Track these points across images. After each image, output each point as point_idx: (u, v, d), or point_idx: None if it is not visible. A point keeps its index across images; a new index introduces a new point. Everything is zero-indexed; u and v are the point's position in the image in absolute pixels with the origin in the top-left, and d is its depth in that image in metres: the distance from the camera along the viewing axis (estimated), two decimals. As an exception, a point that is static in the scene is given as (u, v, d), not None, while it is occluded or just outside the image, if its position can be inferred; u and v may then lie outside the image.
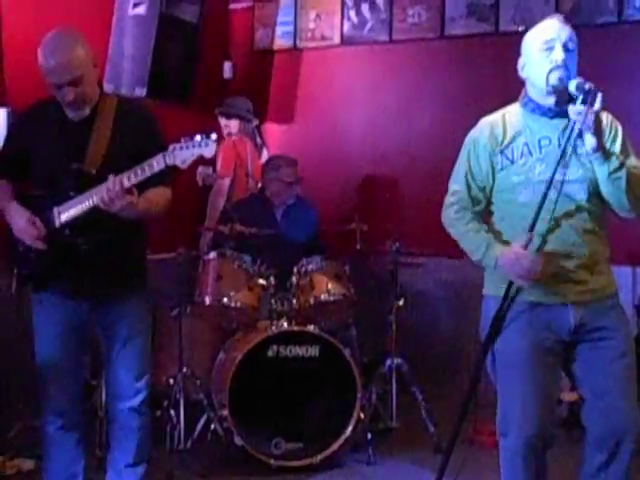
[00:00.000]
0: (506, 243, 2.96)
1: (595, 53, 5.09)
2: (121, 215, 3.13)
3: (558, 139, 2.93)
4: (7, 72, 4.86)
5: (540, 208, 2.84)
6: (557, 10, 5.22)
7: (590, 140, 2.81)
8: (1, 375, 4.09)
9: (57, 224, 3.19)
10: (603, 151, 2.83)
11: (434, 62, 5.77)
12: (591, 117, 2.77)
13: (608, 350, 2.93)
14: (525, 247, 2.84)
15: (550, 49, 2.91)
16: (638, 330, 4.66)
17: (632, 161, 2.91)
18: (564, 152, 2.85)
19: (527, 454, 2.95)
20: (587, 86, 2.80)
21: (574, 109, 2.81)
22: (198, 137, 3.09)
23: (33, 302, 3.37)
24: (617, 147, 2.91)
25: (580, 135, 2.83)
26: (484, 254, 2.96)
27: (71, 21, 5.05)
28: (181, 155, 3.07)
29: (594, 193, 2.94)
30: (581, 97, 2.80)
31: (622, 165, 2.84)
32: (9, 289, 3.35)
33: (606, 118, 2.94)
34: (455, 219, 3.06)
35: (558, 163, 2.85)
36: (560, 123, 2.95)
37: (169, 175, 3.24)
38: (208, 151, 3.10)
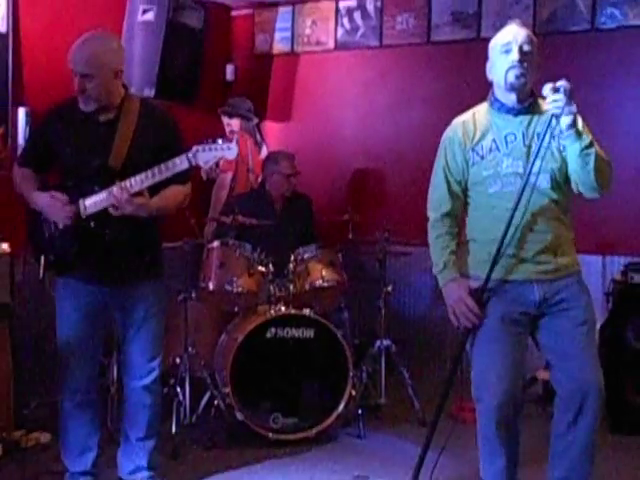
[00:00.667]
0: (482, 232, 3.06)
1: (569, 58, 5.10)
2: (136, 215, 3.15)
3: (522, 134, 3.03)
4: (25, 75, 4.83)
5: (519, 200, 2.91)
6: (534, 18, 5.24)
7: (565, 119, 2.86)
8: (22, 355, 4.08)
9: (83, 215, 3.19)
10: (576, 129, 2.89)
11: (421, 66, 5.77)
12: (566, 101, 2.83)
13: (569, 319, 3.02)
14: (471, 292, 2.99)
15: (508, 51, 3.01)
16: (609, 315, 4.67)
17: (597, 146, 2.97)
18: (539, 145, 2.91)
19: (500, 418, 3.01)
20: (559, 84, 2.86)
21: (551, 97, 2.86)
22: (220, 141, 3.13)
23: (57, 286, 3.36)
24: (585, 130, 2.98)
25: (557, 118, 2.87)
26: (438, 272, 3.11)
27: (85, 27, 5.02)
28: (204, 156, 3.10)
29: (557, 182, 3.03)
30: (553, 93, 2.86)
31: (592, 143, 2.91)
32: (36, 274, 3.34)
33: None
34: (431, 225, 3.17)
35: (536, 156, 2.92)
36: (524, 120, 3.05)
37: (187, 174, 3.26)
38: (230, 154, 3.15)
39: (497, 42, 3.08)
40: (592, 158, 2.90)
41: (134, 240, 3.28)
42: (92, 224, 3.18)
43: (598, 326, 4.72)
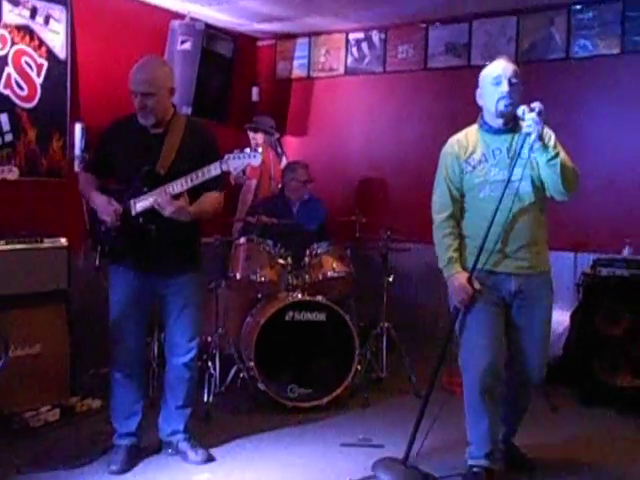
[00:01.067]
0: (473, 230, 3.15)
1: (547, 83, 5.07)
2: (176, 218, 3.15)
3: (507, 149, 3.12)
4: (81, 95, 4.86)
5: (499, 203, 3.02)
6: (517, 48, 5.22)
7: (535, 133, 2.96)
8: (77, 333, 4.10)
9: (133, 212, 3.21)
10: (542, 142, 3.00)
11: (418, 89, 5.75)
12: (537, 120, 2.95)
13: (533, 315, 3.15)
14: (467, 279, 3.06)
15: (498, 83, 3.08)
16: (578, 303, 4.65)
17: (564, 155, 3.07)
18: (517, 157, 3.03)
19: (484, 385, 3.08)
20: (533, 105, 2.97)
21: (528, 116, 2.96)
22: (247, 150, 3.14)
23: (110, 272, 3.37)
24: (552, 144, 3.05)
25: (529, 134, 2.98)
26: (444, 266, 3.17)
27: (132, 54, 5.04)
28: (234, 163, 3.11)
29: (536, 187, 3.11)
30: (529, 112, 2.96)
31: (557, 155, 3.01)
32: (90, 264, 3.36)
33: (544, 128, 3.06)
34: (437, 227, 3.23)
35: (514, 166, 3.03)
36: (507, 137, 3.14)
37: (222, 181, 3.29)
38: (255, 161, 3.16)
39: (488, 74, 3.14)
40: (558, 167, 3.01)
41: (177, 236, 3.28)
42: (141, 220, 3.20)
43: (569, 313, 4.74)
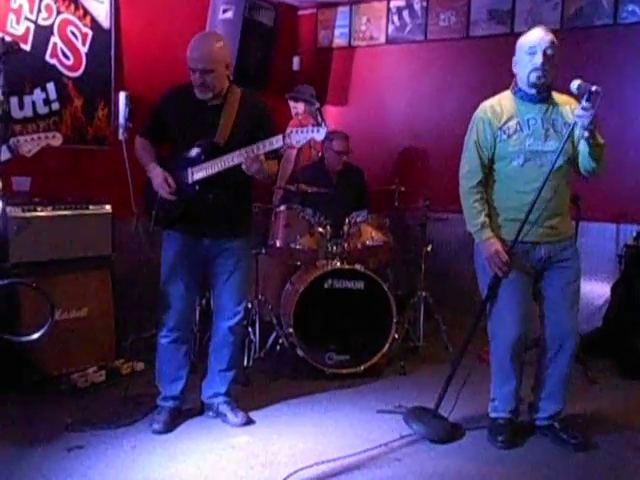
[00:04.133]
0: (503, 200, 3.15)
1: (593, 51, 4.90)
2: (255, 176, 3.20)
3: (541, 120, 3.08)
4: (125, 64, 4.87)
5: (542, 176, 2.98)
6: (562, 14, 5.04)
7: (586, 125, 2.90)
8: (122, 298, 4.16)
9: (190, 181, 3.25)
10: (592, 133, 2.95)
11: (460, 58, 5.63)
12: (591, 114, 2.86)
13: (564, 276, 3.17)
14: (503, 250, 3.08)
15: (533, 53, 3.02)
16: (620, 275, 4.55)
17: (603, 144, 3.04)
18: (567, 135, 2.97)
19: (511, 353, 3.19)
20: (594, 88, 2.83)
21: (583, 104, 2.87)
22: (310, 125, 3.13)
23: (163, 237, 3.39)
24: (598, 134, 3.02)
25: (576, 123, 2.94)
26: (476, 231, 3.16)
27: (175, 23, 5.05)
28: (297, 137, 3.12)
29: (569, 161, 3.11)
30: (585, 97, 2.86)
31: (603, 145, 3.00)
32: (133, 231, 3.39)
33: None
34: (467, 192, 3.21)
35: (563, 145, 2.98)
36: (542, 107, 3.10)
37: (278, 152, 3.34)
38: (319, 136, 3.15)
39: (524, 43, 3.08)
40: (597, 155, 3.01)
41: (231, 202, 3.31)
42: (197, 187, 3.23)
43: (610, 285, 4.64)
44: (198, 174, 3.23)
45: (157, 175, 3.26)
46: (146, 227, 3.38)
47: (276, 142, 3.12)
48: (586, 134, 2.93)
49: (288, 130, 3.13)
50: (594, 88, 2.82)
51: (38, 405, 3.57)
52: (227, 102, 3.28)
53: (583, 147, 3.03)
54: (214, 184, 3.22)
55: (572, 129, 2.97)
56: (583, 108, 2.86)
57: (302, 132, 3.10)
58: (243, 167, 3.14)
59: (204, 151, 3.23)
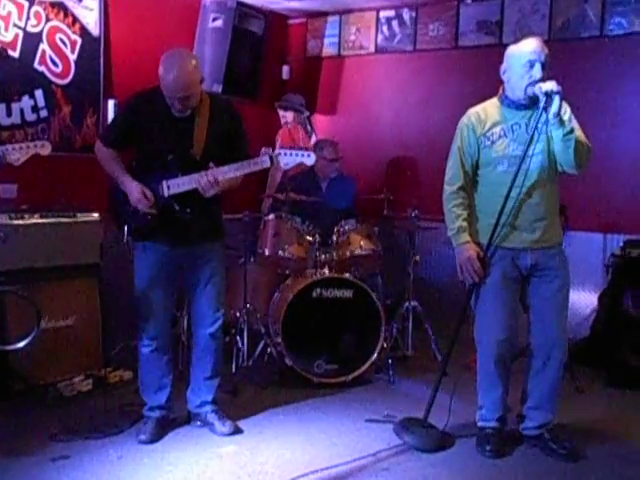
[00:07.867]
0: (487, 205, 3.13)
1: (580, 62, 4.93)
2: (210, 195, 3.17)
3: (525, 125, 3.09)
4: (114, 71, 4.84)
5: (515, 177, 3.01)
6: (550, 26, 5.06)
7: (554, 109, 2.92)
8: (109, 306, 4.12)
9: (165, 194, 3.20)
10: (560, 118, 2.96)
11: (449, 68, 5.64)
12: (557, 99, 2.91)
13: (551, 284, 3.14)
14: (477, 255, 3.09)
15: (532, 67, 3.01)
16: (607, 285, 4.56)
17: (579, 132, 3.04)
18: (535, 133, 2.99)
19: (499, 356, 3.19)
20: (557, 89, 2.90)
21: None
22: (302, 148, 3.23)
23: (136, 249, 3.34)
24: (567, 118, 3.02)
25: (546, 110, 2.94)
26: (453, 235, 3.18)
27: (164, 32, 5.03)
28: (285, 159, 3.12)
29: (550, 162, 3.10)
30: (544, 100, 2.91)
31: (572, 130, 2.98)
32: (121, 239, 3.34)
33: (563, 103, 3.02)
34: (448, 197, 3.23)
35: (535, 141, 3.01)
36: (526, 113, 3.10)
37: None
38: (309, 161, 3.18)
39: (519, 54, 3.06)
40: (572, 143, 2.98)
41: (204, 211, 3.28)
42: (173, 202, 3.18)
43: (597, 294, 4.65)
44: (173, 189, 3.17)
45: (134, 189, 3.19)
46: (120, 238, 3.33)
47: (262, 163, 3.10)
48: (552, 117, 2.93)
49: (277, 151, 3.09)
50: (557, 89, 2.87)
51: (23, 414, 3.53)
52: (198, 113, 3.21)
53: (558, 138, 3.00)
54: (190, 198, 3.17)
55: (535, 129, 2.96)
56: (544, 109, 2.91)
57: (291, 155, 3.09)
58: (200, 191, 3.11)
59: (181, 165, 3.17)
